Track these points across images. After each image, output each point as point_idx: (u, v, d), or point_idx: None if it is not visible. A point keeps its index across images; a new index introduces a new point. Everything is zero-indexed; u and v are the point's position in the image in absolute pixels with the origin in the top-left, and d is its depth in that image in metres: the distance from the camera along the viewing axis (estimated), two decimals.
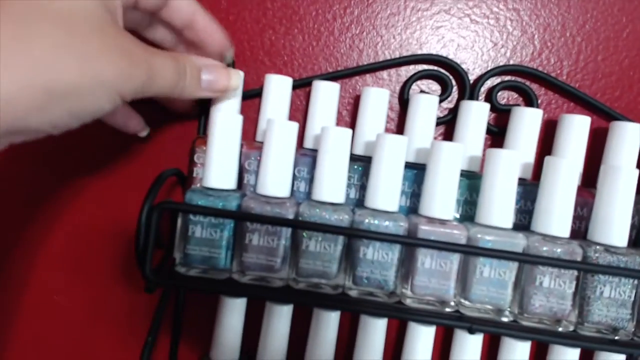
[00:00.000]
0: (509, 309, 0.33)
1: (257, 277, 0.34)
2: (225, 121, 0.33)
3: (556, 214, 0.32)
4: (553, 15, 0.39)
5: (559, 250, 0.31)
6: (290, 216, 0.33)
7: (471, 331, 0.31)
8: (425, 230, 0.32)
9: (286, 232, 0.33)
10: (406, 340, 0.38)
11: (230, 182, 0.34)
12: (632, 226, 0.35)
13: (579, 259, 0.31)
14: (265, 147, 0.34)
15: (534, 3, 0.39)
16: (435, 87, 0.40)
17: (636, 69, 0.39)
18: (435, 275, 0.32)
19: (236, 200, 0.33)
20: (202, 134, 0.39)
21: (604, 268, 0.31)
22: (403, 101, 0.40)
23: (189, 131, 0.41)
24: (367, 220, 0.33)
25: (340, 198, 0.34)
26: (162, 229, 0.38)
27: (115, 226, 0.41)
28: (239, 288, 0.34)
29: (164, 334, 0.41)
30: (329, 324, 0.38)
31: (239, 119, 0.33)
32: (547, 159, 0.33)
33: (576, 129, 0.36)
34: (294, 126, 0.34)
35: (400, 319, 0.33)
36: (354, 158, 0.37)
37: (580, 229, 0.36)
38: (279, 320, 0.38)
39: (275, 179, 0.33)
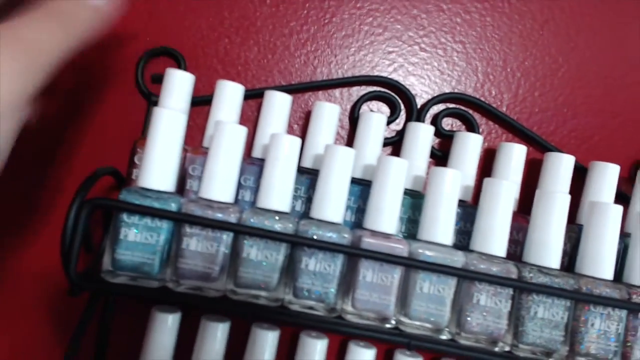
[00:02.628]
0: (447, 328, 0.33)
1: (192, 287, 0.32)
2: (168, 118, 0.32)
3: (494, 234, 0.33)
4: (495, 50, 0.42)
5: (495, 268, 0.32)
6: (233, 222, 0.31)
7: (410, 347, 0.31)
8: (369, 242, 0.32)
9: (227, 238, 0.32)
10: None
11: (169, 184, 0.32)
12: (565, 253, 0.37)
13: (514, 277, 0.32)
14: (211, 149, 0.33)
15: (479, 37, 0.42)
16: (385, 109, 0.41)
17: (569, 107, 0.42)
18: (376, 290, 0.32)
19: (175, 203, 0.32)
20: (145, 134, 0.38)
21: (539, 287, 0.31)
22: (353, 119, 0.40)
23: (132, 132, 0.39)
24: (310, 230, 0.32)
25: (285, 207, 0.33)
26: (93, 233, 0.36)
27: (44, 226, 0.38)
28: (171, 295, 0.32)
29: (89, 349, 0.38)
30: (266, 342, 0.36)
31: (182, 117, 0.32)
32: (486, 180, 0.34)
33: (514, 156, 0.38)
34: (243, 130, 0.33)
35: (339, 333, 0.32)
36: (302, 170, 0.37)
37: (516, 253, 0.37)
38: (214, 338, 0.36)
39: (220, 183, 0.32)
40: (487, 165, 0.41)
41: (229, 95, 0.37)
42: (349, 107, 0.41)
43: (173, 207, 0.31)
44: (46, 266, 0.38)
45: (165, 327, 0.35)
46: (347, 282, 0.33)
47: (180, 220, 0.31)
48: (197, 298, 0.32)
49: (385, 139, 0.40)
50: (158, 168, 0.32)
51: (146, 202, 0.31)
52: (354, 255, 0.32)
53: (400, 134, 0.40)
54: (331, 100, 0.41)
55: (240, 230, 0.31)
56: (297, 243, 0.31)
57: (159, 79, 0.38)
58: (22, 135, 0.24)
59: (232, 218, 0.31)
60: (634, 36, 0.42)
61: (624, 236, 0.37)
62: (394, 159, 0.33)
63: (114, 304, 0.38)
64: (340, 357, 0.38)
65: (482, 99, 0.41)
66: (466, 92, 0.41)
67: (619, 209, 0.34)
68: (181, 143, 0.33)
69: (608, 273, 0.33)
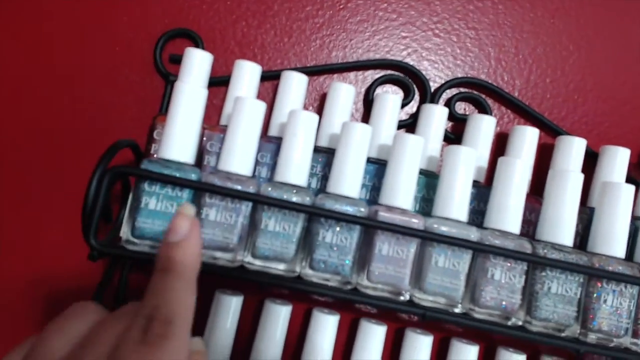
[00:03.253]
0: (460, 303, 0.33)
1: (210, 257, 0.32)
2: (189, 92, 0.32)
3: (507, 211, 0.34)
4: (507, 37, 0.42)
5: (509, 244, 0.32)
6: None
7: (424, 317, 0.31)
8: (385, 217, 0.32)
9: (245, 209, 0.32)
10: (357, 339, 0.37)
11: (189, 156, 0.33)
12: (577, 234, 0.37)
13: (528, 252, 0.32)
14: (231, 122, 0.33)
15: (491, 24, 0.42)
16: (399, 93, 0.42)
17: (580, 93, 0.42)
18: (391, 263, 0.32)
19: (195, 174, 0.32)
20: (164, 111, 0.38)
21: (553, 261, 0.32)
22: (367, 102, 0.41)
23: (151, 110, 0.39)
24: (327, 204, 0.32)
25: (302, 181, 0.34)
26: (112, 206, 0.36)
27: (65, 197, 0.39)
28: None
29: None
30: (279, 317, 0.36)
31: (203, 92, 0.33)
32: (500, 159, 0.35)
33: (527, 139, 0.39)
34: (262, 105, 0.34)
35: (353, 302, 0.32)
36: (317, 149, 0.37)
37: (529, 232, 0.37)
38: (228, 311, 0.36)
39: (239, 155, 0.33)
40: (499, 149, 0.41)
41: (247, 75, 0.38)
42: (363, 90, 0.42)
43: (193, 177, 0.32)
44: (67, 237, 0.38)
45: None
46: (363, 256, 0.33)
47: (200, 189, 0.31)
48: (215, 267, 0.32)
49: (400, 121, 0.41)
50: (179, 140, 0.32)
51: (167, 172, 0.31)
52: (370, 227, 0.32)
53: (414, 117, 0.41)
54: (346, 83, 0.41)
55: (260, 200, 0.31)
56: (315, 214, 0.32)
57: (177, 60, 0.39)
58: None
59: (251, 190, 0.32)
60: None
61: (635, 219, 0.37)
62: (411, 135, 0.34)
63: (128, 279, 0.38)
64: (352, 334, 0.39)
65: (495, 84, 0.42)
66: (479, 77, 0.42)
67: (631, 188, 0.34)
68: (201, 117, 0.33)
69: (620, 251, 0.34)
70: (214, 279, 0.37)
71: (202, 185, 0.31)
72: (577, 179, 0.34)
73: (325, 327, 0.37)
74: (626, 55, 0.43)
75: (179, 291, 0.22)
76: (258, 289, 0.38)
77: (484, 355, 0.40)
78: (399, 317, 0.39)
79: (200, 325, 0.36)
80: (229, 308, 0.36)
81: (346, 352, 0.39)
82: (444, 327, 0.39)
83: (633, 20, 0.43)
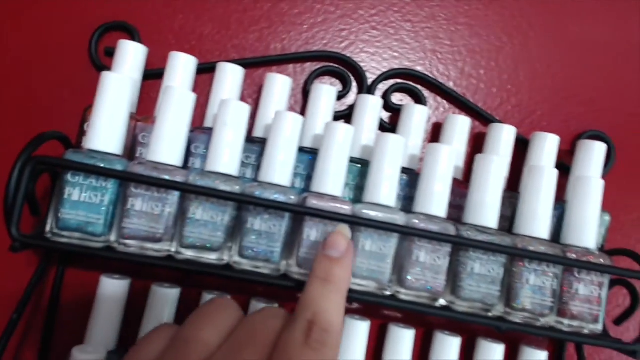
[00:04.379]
0: (389, 285, 0.33)
1: (138, 247, 0.32)
2: (115, 81, 0.32)
3: (434, 195, 0.34)
4: (442, 29, 0.43)
5: (434, 227, 0.33)
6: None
7: (349, 301, 0.32)
8: (314, 203, 0.33)
9: (172, 198, 0.32)
10: None
11: (116, 147, 0.33)
12: (506, 218, 0.38)
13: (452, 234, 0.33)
14: (159, 112, 0.33)
15: (427, 17, 0.43)
16: (337, 84, 0.43)
17: (513, 83, 0.44)
18: None
19: (121, 165, 0.32)
20: None
21: (471, 242, 0.33)
22: (305, 94, 0.41)
23: (86, 101, 0.39)
24: (257, 192, 0.33)
25: (233, 170, 0.34)
26: (42, 200, 0.36)
27: None
28: (118, 253, 0.32)
29: (38, 316, 0.38)
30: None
31: (128, 80, 0.33)
32: (429, 146, 0.36)
33: (458, 127, 0.40)
34: (191, 95, 0.34)
35: (281, 287, 0.32)
36: (254, 140, 0.38)
37: (460, 218, 0.38)
38: (164, 305, 0.36)
39: (167, 146, 0.33)
40: (435, 139, 0.42)
41: (181, 67, 0.38)
42: (302, 82, 0.42)
43: (119, 168, 0.32)
44: None
45: (115, 294, 0.36)
46: (293, 241, 0.33)
47: (122, 178, 0.31)
48: (144, 258, 0.32)
49: (337, 112, 0.41)
50: (104, 130, 0.32)
51: (91, 162, 0.31)
52: (298, 213, 0.33)
53: (352, 108, 0.41)
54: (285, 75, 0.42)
55: (185, 189, 0.32)
56: (239, 201, 0.32)
57: (112, 53, 0.39)
58: None
59: (179, 179, 0.32)
60: (575, 15, 0.45)
61: (563, 203, 0.39)
62: (340, 124, 0.35)
63: (63, 273, 0.38)
64: None
65: (430, 75, 0.43)
66: (414, 69, 0.43)
67: (554, 171, 0.36)
68: (128, 107, 0.33)
69: (543, 233, 0.35)
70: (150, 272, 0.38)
71: (123, 174, 0.31)
72: (500, 164, 0.35)
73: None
74: (558, 46, 0.44)
75: (336, 303, 0.24)
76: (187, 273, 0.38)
77: (421, 340, 0.40)
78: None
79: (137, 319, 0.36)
80: (166, 301, 0.36)
81: None
82: (381, 314, 0.40)
83: (565, 11, 0.45)
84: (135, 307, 0.37)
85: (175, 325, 0.24)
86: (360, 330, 0.37)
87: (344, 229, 0.26)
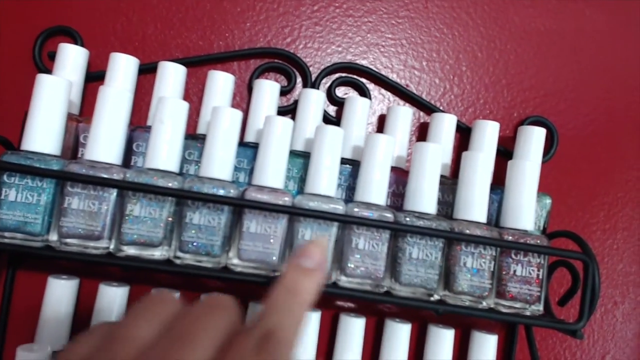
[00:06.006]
0: (329, 273, 0.34)
1: (78, 246, 0.32)
2: (50, 83, 0.33)
3: (372, 184, 0.35)
4: (384, 23, 0.44)
5: (372, 214, 0.34)
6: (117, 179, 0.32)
7: None
8: (253, 195, 0.33)
9: (109, 196, 0.33)
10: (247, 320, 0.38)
11: (53, 147, 0.33)
12: (448, 204, 0.39)
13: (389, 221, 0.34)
14: (95, 112, 0.34)
15: (367, 11, 0.44)
16: (283, 82, 0.43)
17: (455, 73, 0.45)
18: (260, 239, 0.33)
19: (58, 165, 0.32)
20: None
21: (411, 227, 0.33)
22: (251, 90, 0.42)
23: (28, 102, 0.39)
24: (196, 186, 0.33)
25: (171, 167, 0.34)
26: None
27: None
28: (58, 252, 0.32)
29: None
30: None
31: (64, 82, 0.33)
32: (367, 136, 0.36)
33: (400, 117, 0.40)
34: (126, 94, 0.34)
35: (225, 279, 0.33)
36: (197, 137, 0.38)
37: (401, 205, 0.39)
38: (113, 303, 0.36)
39: (103, 144, 0.33)
40: (381, 130, 0.43)
41: (122, 67, 0.38)
42: (247, 79, 0.43)
43: (55, 167, 0.32)
44: None
45: (61, 293, 0.36)
46: (232, 234, 0.34)
47: (54, 176, 0.32)
48: (84, 256, 0.32)
49: (283, 107, 0.42)
50: (40, 131, 0.33)
51: (27, 163, 0.31)
52: (237, 206, 0.33)
53: (297, 102, 0.42)
54: (229, 72, 0.42)
55: (121, 186, 0.32)
56: (178, 196, 0.33)
57: (54, 57, 0.39)
58: None
59: (115, 177, 0.32)
60: (514, 3, 0.46)
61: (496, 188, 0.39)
62: (279, 117, 0.35)
63: (14, 275, 0.38)
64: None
65: (373, 67, 0.44)
66: (356, 62, 0.43)
67: (489, 157, 0.37)
68: (64, 108, 0.34)
69: (480, 216, 0.36)
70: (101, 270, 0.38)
71: (57, 173, 0.31)
72: (435, 150, 0.36)
73: None
74: (499, 35, 0.45)
75: (299, 316, 0.23)
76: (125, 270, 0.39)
77: (374, 328, 0.41)
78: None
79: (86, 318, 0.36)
80: (115, 299, 0.37)
81: None
82: (334, 305, 0.41)
83: (504, 0, 0.46)
84: (87, 306, 0.37)
85: (114, 323, 0.23)
86: (311, 321, 0.37)
87: (323, 240, 0.25)
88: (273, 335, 0.21)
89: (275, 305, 0.23)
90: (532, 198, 0.37)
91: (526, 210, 0.37)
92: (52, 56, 0.41)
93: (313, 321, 0.37)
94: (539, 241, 0.35)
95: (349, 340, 0.38)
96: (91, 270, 0.38)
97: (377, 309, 0.41)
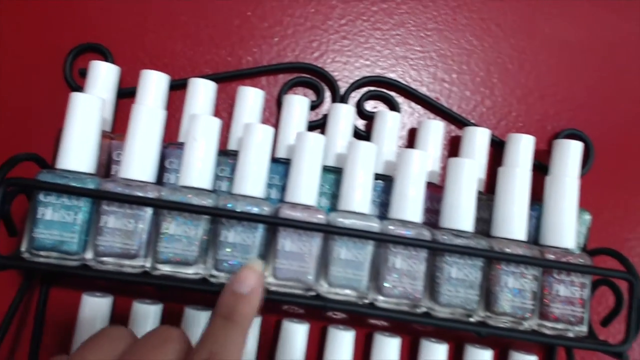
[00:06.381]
0: (366, 292, 0.33)
1: (114, 264, 0.32)
2: (84, 101, 0.33)
3: (407, 200, 0.34)
4: (412, 36, 0.44)
5: (409, 232, 0.33)
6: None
7: (325, 309, 0.31)
8: (287, 213, 0.33)
9: (145, 214, 0.32)
10: (280, 339, 0.37)
11: (88, 165, 0.33)
12: (485, 221, 0.38)
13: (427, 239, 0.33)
14: (129, 130, 0.33)
15: (396, 24, 0.44)
16: (311, 96, 0.43)
17: (486, 85, 0.44)
18: (295, 258, 0.33)
19: (93, 183, 0.32)
20: None
21: (449, 246, 0.33)
22: (280, 105, 0.42)
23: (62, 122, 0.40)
24: (230, 204, 0.33)
25: (205, 184, 0.34)
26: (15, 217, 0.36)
27: None
28: (94, 271, 0.32)
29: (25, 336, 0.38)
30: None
31: (98, 100, 0.33)
32: (400, 151, 0.36)
33: (431, 131, 0.40)
34: (161, 113, 0.34)
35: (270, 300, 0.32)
36: (229, 153, 0.38)
37: (437, 222, 0.38)
38: (146, 320, 0.36)
39: (137, 162, 0.33)
40: (411, 145, 0.42)
41: (153, 84, 0.38)
42: (276, 94, 0.42)
43: (91, 186, 0.32)
44: None
45: (95, 311, 0.35)
46: (267, 253, 0.33)
47: (90, 195, 0.31)
48: (120, 275, 0.32)
49: (312, 122, 0.41)
50: (75, 149, 0.33)
51: (63, 182, 0.31)
52: (273, 224, 0.33)
53: (326, 117, 0.41)
54: (258, 88, 0.42)
55: (157, 205, 0.32)
56: (214, 215, 0.32)
57: (85, 74, 0.39)
58: None
59: (151, 195, 0.32)
60: (545, 14, 0.45)
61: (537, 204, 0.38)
62: (310, 133, 0.35)
63: (47, 292, 0.38)
64: (276, 334, 0.39)
65: (402, 81, 0.43)
66: (386, 76, 0.43)
67: (526, 172, 0.36)
68: (98, 125, 0.34)
69: (520, 234, 0.35)
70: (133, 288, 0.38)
71: (92, 192, 0.31)
72: (472, 166, 0.35)
73: None
74: (530, 46, 0.45)
75: (236, 343, 0.23)
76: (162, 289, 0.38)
77: (409, 348, 0.40)
78: (323, 315, 0.39)
79: None
80: (148, 317, 0.36)
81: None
82: (367, 323, 0.40)
83: (534, 10, 0.45)
84: (121, 324, 0.36)
85: (65, 356, 0.24)
86: (345, 340, 0.36)
87: (256, 264, 0.25)
88: None
89: (213, 333, 0.23)
90: (573, 215, 0.36)
91: (567, 228, 0.36)
92: (82, 73, 0.41)
93: (347, 340, 0.36)
94: (582, 260, 0.34)
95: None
96: (125, 287, 0.38)
97: (411, 328, 0.40)
